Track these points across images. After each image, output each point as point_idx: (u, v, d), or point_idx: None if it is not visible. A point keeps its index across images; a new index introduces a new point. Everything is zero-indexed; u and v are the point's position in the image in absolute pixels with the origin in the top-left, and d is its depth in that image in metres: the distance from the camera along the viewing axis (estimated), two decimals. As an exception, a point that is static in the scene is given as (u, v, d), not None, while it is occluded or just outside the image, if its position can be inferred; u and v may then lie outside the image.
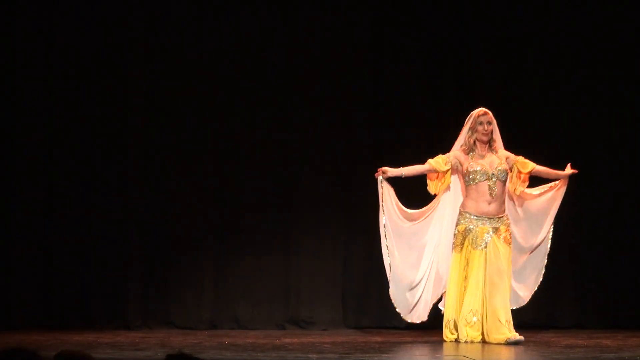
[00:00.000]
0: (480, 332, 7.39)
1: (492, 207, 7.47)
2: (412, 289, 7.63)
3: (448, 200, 7.69)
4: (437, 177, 7.62)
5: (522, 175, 7.58)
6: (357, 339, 7.85)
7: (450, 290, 7.51)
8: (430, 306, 7.70)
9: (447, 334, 7.48)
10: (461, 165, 7.56)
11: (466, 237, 7.46)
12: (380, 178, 7.67)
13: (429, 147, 8.04)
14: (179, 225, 8.89)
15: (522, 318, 7.90)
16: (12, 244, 8.74)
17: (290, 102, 8.96)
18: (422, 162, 7.73)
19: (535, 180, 7.74)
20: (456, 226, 7.53)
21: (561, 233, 7.96)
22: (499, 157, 7.56)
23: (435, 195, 7.70)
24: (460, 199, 7.61)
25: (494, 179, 7.48)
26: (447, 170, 7.58)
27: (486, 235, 7.42)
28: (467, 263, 7.42)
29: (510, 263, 7.50)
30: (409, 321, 7.74)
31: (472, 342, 7.35)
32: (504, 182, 7.53)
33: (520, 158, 7.60)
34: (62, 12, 8.83)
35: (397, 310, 7.72)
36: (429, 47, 8.99)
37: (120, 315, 8.75)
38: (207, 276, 8.89)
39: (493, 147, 7.58)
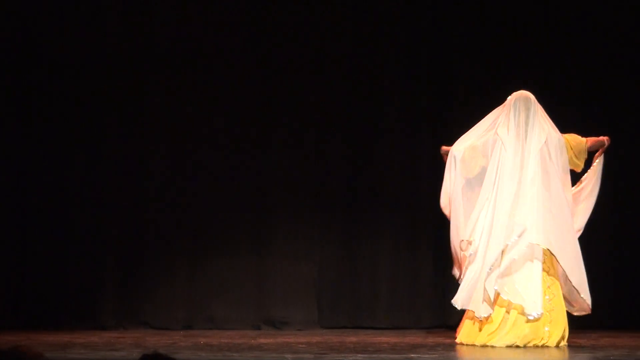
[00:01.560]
0: None
1: None
2: None
3: None
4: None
5: None
6: (332, 339, 7.85)
7: None
8: None
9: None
10: None
11: None
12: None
13: (406, 153, 8.06)
14: (153, 225, 8.87)
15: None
16: (-15, 244, 8.70)
17: (266, 101, 8.96)
18: (395, 166, 7.69)
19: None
20: None
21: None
22: None
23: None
24: None
25: None
26: None
27: None
28: None
29: None
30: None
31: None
32: None
33: None
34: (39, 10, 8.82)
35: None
36: (405, 50, 9.02)
37: (95, 315, 8.72)
38: (181, 276, 8.88)
39: None
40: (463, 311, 7.79)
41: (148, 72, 8.91)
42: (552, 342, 7.12)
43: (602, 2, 8.94)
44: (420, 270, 8.92)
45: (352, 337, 8.03)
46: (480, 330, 7.20)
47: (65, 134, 8.84)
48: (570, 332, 7.32)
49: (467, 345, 7.24)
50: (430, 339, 7.86)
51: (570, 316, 7.32)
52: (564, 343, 7.16)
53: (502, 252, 7.12)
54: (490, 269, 7.11)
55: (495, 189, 7.26)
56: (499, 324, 7.13)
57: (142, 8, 8.91)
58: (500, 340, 7.10)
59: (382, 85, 9.00)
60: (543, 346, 7.09)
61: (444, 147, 7.54)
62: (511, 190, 7.20)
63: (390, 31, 9.00)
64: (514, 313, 7.11)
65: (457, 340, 7.38)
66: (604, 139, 7.45)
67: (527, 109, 7.28)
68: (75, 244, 8.80)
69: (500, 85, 8.00)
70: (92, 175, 8.85)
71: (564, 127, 7.43)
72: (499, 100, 7.57)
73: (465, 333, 7.31)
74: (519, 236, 7.12)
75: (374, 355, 6.72)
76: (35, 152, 8.83)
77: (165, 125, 8.91)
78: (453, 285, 7.50)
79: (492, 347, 7.09)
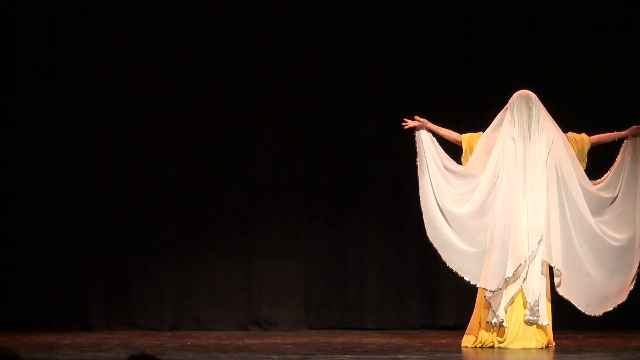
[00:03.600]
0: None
1: None
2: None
3: None
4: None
5: None
6: (319, 340, 7.85)
7: None
8: None
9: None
10: None
11: None
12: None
13: (393, 154, 8.05)
14: (140, 227, 8.85)
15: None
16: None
17: (253, 103, 8.95)
18: (383, 167, 7.66)
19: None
20: None
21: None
22: None
23: None
24: None
25: None
26: None
27: None
28: None
29: None
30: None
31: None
32: None
33: None
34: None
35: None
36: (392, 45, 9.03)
37: (82, 316, 8.70)
38: (169, 277, 8.86)
39: None
40: (452, 313, 7.87)
41: (136, 74, 8.89)
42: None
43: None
44: (407, 272, 8.93)
45: (339, 338, 8.03)
46: (498, 335, 7.18)
47: (51, 136, 8.82)
48: (557, 333, 7.34)
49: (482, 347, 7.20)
50: (418, 340, 7.87)
51: (557, 316, 7.34)
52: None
53: (525, 262, 7.11)
54: (512, 274, 7.10)
55: (496, 186, 7.24)
56: (517, 329, 7.15)
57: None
58: (513, 343, 7.13)
59: (369, 86, 9.00)
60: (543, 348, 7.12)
61: (420, 120, 7.44)
62: (516, 193, 7.18)
63: (378, 31, 9.02)
64: (522, 317, 7.15)
65: (471, 345, 7.27)
66: (615, 134, 7.41)
67: (529, 109, 7.27)
68: (62, 245, 8.78)
69: (495, 87, 8.03)
70: (79, 176, 8.82)
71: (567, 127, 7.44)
72: (487, 103, 7.59)
73: (484, 335, 7.23)
74: (538, 244, 7.12)
75: (361, 356, 6.72)
76: (21, 154, 8.80)
77: (152, 127, 8.89)
78: (440, 287, 7.50)
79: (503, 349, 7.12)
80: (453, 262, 7.25)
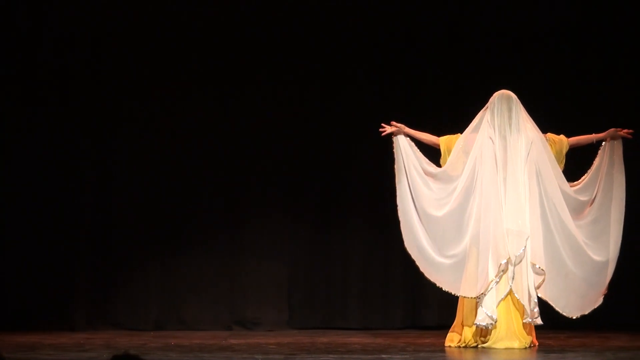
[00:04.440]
0: None
1: None
2: None
3: None
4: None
5: None
6: (303, 340, 7.86)
7: None
8: None
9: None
10: None
11: None
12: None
13: (376, 154, 8.03)
14: (124, 226, 8.84)
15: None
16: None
17: (238, 104, 8.96)
18: (366, 168, 7.66)
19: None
20: None
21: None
22: None
23: None
24: None
25: None
26: None
27: None
28: None
29: None
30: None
31: None
32: None
33: None
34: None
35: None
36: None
37: (65, 316, 8.68)
38: (153, 277, 8.86)
39: None
40: (435, 313, 7.88)
41: (118, 73, 8.88)
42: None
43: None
44: (391, 272, 8.94)
45: (323, 338, 8.04)
46: (481, 335, 7.19)
47: (35, 137, 8.80)
48: (540, 333, 7.36)
49: (466, 347, 7.20)
50: (402, 340, 7.88)
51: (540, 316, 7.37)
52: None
53: (508, 261, 7.11)
54: (498, 277, 7.11)
55: (475, 188, 7.25)
56: (504, 328, 7.16)
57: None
58: (497, 343, 7.13)
59: (353, 86, 9.01)
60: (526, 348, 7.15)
61: (397, 125, 7.44)
62: (496, 194, 7.18)
63: (367, 33, 9.04)
64: (513, 316, 7.16)
65: (454, 344, 7.28)
66: (593, 136, 7.43)
67: (510, 110, 7.28)
68: (46, 244, 8.75)
69: (477, 88, 8.05)
70: (62, 176, 8.80)
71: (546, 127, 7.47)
72: (470, 104, 7.62)
73: (467, 336, 7.24)
74: (525, 247, 7.13)
75: (344, 356, 6.72)
76: (4, 155, 8.77)
77: (136, 126, 8.88)
78: (423, 287, 7.50)
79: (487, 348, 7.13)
80: (430, 274, 7.28)
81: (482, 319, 7.11)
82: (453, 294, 7.22)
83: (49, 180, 8.78)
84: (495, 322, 7.09)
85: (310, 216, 9.00)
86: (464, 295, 7.18)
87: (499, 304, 7.11)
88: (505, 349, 7.09)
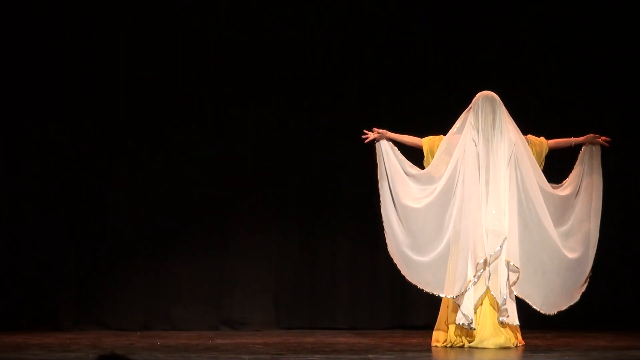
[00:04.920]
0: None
1: None
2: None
3: None
4: None
5: None
6: (289, 340, 7.86)
7: None
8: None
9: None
10: None
11: None
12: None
13: (364, 155, 8.04)
14: (111, 226, 8.82)
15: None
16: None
17: (226, 105, 8.95)
18: (353, 168, 7.66)
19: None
20: None
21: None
22: None
23: None
24: None
25: None
26: None
27: None
28: None
29: None
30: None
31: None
32: None
33: None
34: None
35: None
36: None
37: (51, 316, 8.65)
38: (139, 277, 8.84)
39: None
40: (422, 313, 7.86)
41: (112, 77, 8.87)
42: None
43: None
44: (378, 272, 8.95)
45: (309, 338, 8.04)
46: (467, 335, 7.19)
47: (21, 138, 8.77)
48: (525, 333, 7.38)
49: (453, 347, 7.20)
50: (388, 340, 7.89)
51: (527, 316, 7.38)
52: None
53: (485, 261, 7.14)
54: (476, 276, 7.13)
55: (456, 189, 7.27)
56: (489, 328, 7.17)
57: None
58: (483, 342, 7.14)
59: (342, 88, 9.02)
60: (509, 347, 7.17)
61: (378, 131, 7.45)
62: (478, 195, 7.19)
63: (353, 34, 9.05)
64: (490, 316, 7.17)
65: (441, 344, 7.28)
66: (572, 140, 7.48)
67: (494, 112, 7.31)
68: (31, 245, 8.73)
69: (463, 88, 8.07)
70: (49, 175, 8.78)
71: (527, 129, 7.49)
72: (456, 104, 7.64)
73: (452, 336, 7.24)
74: (501, 247, 7.15)
75: (331, 356, 6.73)
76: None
77: (122, 127, 8.87)
78: (410, 286, 7.50)
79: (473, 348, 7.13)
80: (411, 276, 7.31)
81: (459, 317, 7.14)
82: (433, 294, 7.25)
83: (35, 180, 8.76)
84: (472, 322, 7.10)
85: (298, 216, 9.00)
86: (443, 296, 7.21)
87: (477, 303, 7.13)
88: (492, 349, 7.09)
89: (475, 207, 7.19)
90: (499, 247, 7.15)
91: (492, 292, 7.13)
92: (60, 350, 7.00)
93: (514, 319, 7.17)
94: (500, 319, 7.13)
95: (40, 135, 8.79)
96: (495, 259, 7.15)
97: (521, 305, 7.29)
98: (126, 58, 8.83)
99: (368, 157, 8.19)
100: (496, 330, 7.14)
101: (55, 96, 8.80)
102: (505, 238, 7.16)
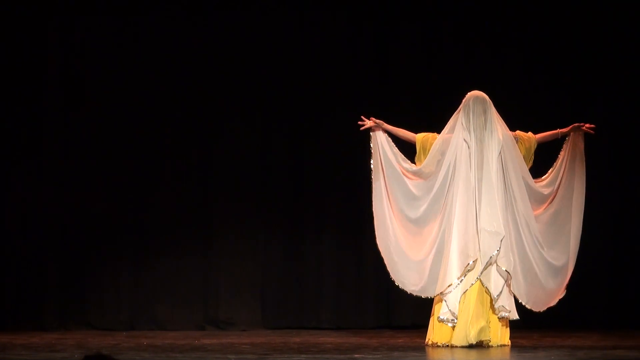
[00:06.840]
0: None
1: None
2: None
3: None
4: None
5: None
6: (275, 340, 7.86)
7: None
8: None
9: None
10: None
11: None
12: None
13: (350, 154, 8.06)
14: (96, 225, 8.80)
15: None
16: None
17: (210, 104, 8.94)
18: (339, 167, 7.65)
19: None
20: None
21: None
22: None
23: None
24: None
25: None
26: None
27: None
28: None
29: None
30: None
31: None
32: None
33: None
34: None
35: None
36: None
37: (36, 316, 8.63)
38: (125, 276, 8.83)
39: None
40: (409, 312, 7.86)
41: (89, 77, 8.86)
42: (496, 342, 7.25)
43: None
44: (364, 271, 8.95)
45: (296, 338, 8.04)
46: (453, 330, 7.20)
47: (7, 139, 8.75)
48: (512, 332, 7.39)
49: (441, 346, 7.20)
50: (375, 340, 7.89)
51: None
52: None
53: (475, 262, 7.15)
54: (464, 275, 7.15)
55: (449, 190, 7.30)
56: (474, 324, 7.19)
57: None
58: (469, 336, 7.15)
59: (326, 87, 9.01)
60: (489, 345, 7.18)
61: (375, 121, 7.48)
62: (470, 195, 7.22)
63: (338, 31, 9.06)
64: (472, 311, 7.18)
65: (430, 342, 7.28)
66: (558, 131, 7.51)
67: (485, 112, 7.33)
68: (16, 244, 8.70)
69: (451, 87, 8.08)
70: (34, 176, 8.76)
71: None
72: (444, 102, 7.64)
73: (437, 334, 7.25)
74: (499, 249, 7.17)
75: (317, 356, 6.73)
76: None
77: (108, 127, 8.85)
78: (397, 286, 7.51)
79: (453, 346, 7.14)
80: (396, 273, 7.34)
81: (444, 312, 7.15)
82: (415, 294, 7.27)
83: (16, 177, 8.73)
84: (455, 320, 7.12)
85: (283, 216, 8.99)
86: (425, 296, 7.25)
87: (463, 300, 7.14)
88: (478, 351, 7.10)
89: (467, 208, 7.21)
90: (497, 250, 7.17)
91: (484, 285, 7.14)
92: (46, 351, 6.99)
93: (514, 314, 7.23)
94: (502, 315, 7.15)
95: (26, 139, 8.77)
96: (495, 261, 7.16)
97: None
98: (112, 69, 8.83)
99: (354, 161, 8.23)
100: (477, 316, 7.14)
101: (40, 104, 8.78)
102: (503, 238, 7.18)
